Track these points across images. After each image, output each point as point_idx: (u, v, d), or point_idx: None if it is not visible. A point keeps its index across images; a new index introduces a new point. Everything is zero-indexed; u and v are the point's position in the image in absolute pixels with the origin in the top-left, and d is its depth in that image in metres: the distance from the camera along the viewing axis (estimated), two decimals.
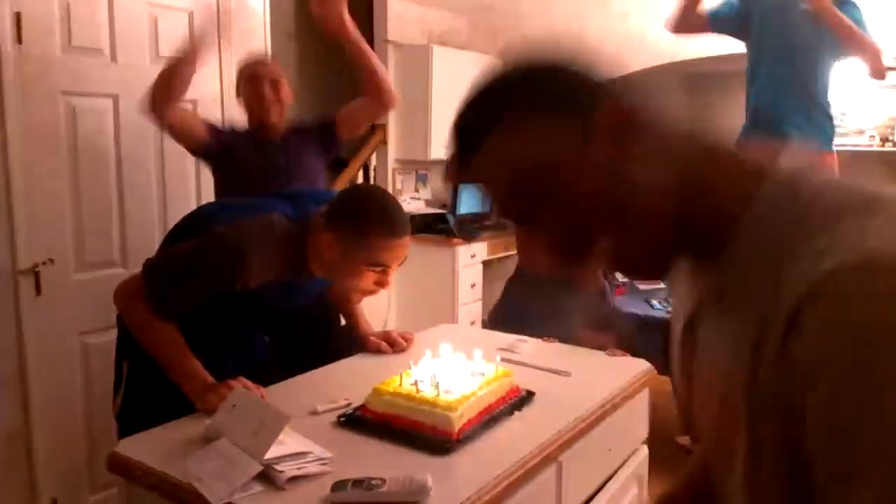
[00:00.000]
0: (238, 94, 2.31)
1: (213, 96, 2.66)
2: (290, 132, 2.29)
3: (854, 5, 2.44)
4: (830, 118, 2.56)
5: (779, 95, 2.49)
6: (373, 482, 1.09)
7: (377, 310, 4.81)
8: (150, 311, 1.47)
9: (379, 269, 1.51)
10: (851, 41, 2.36)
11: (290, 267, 1.56)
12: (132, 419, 1.43)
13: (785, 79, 2.47)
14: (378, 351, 1.84)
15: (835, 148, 2.61)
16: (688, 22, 2.60)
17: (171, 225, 2.51)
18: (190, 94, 2.54)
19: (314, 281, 1.67)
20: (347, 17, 2.03)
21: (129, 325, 1.54)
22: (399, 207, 1.54)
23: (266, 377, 1.55)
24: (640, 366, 1.76)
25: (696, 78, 7.19)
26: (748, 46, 2.61)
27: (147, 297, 1.47)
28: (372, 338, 1.87)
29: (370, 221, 1.47)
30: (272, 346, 1.82)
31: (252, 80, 2.24)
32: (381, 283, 1.54)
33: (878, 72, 2.38)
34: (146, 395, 1.53)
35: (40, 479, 2.23)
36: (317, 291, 1.81)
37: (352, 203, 1.53)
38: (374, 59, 2.16)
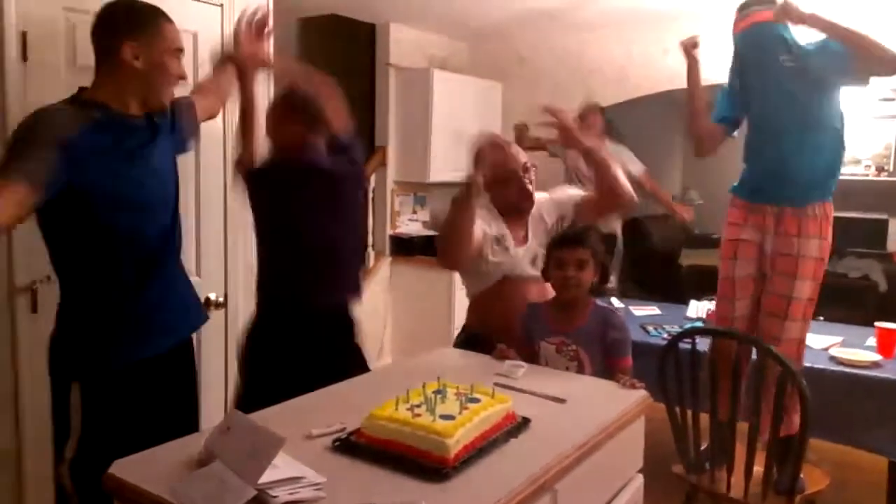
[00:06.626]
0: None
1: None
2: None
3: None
4: (837, 167, 2.43)
5: (792, 163, 2.37)
6: None
7: (373, 331, 4.79)
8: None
9: (179, 51, 1.73)
10: (861, 48, 2.17)
11: (94, 111, 1.68)
12: (94, 457, 1.36)
13: (796, 148, 2.36)
14: None
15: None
16: (709, 140, 2.56)
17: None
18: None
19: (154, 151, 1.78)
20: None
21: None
22: None
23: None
24: (636, 393, 1.76)
25: None
26: (748, 118, 2.54)
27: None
28: None
29: (149, 12, 1.70)
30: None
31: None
32: (182, 73, 1.75)
33: (892, 63, 2.17)
34: (110, 425, 1.48)
35: (31, 497, 2.21)
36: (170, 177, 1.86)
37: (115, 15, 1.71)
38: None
